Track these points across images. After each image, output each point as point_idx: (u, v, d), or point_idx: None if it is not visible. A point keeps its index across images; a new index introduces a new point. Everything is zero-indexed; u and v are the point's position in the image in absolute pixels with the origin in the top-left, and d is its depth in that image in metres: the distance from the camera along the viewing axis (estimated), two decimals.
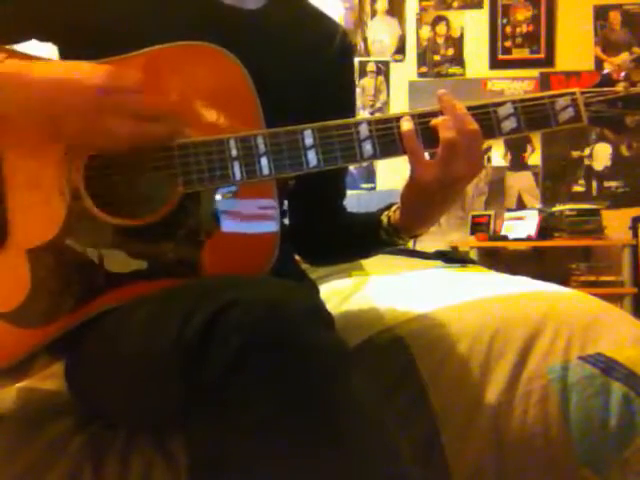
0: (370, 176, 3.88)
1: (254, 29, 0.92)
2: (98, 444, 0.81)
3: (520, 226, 3.62)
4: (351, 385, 0.63)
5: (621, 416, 0.87)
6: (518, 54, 3.88)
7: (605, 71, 0.87)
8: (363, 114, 3.79)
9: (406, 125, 0.81)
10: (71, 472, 0.78)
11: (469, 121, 0.80)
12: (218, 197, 0.80)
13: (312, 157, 0.80)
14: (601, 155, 3.79)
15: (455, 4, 3.90)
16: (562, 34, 3.84)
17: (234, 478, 0.59)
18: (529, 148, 3.82)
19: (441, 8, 3.91)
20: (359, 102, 3.81)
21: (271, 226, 0.81)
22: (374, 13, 3.95)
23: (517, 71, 3.86)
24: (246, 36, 0.90)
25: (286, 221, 1.03)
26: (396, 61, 3.95)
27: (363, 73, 3.91)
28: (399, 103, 3.88)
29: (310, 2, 1.04)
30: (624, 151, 3.77)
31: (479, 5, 3.90)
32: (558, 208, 3.63)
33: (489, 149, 3.80)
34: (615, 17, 3.82)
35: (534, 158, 3.83)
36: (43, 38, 0.89)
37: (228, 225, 0.80)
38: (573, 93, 0.83)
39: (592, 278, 3.49)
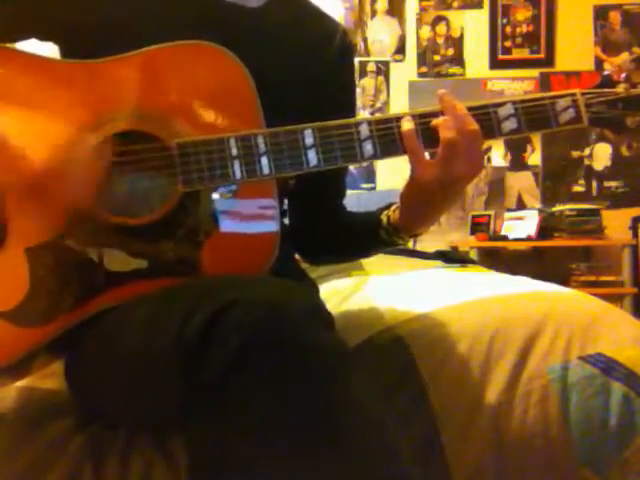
0: (370, 176, 3.88)
1: (254, 28, 0.92)
2: (98, 444, 0.81)
3: (520, 226, 3.62)
4: (351, 385, 0.62)
5: (621, 416, 0.87)
6: (518, 54, 3.88)
7: (606, 72, 0.87)
8: (363, 114, 3.79)
9: (406, 125, 0.81)
10: (71, 472, 0.78)
11: (469, 121, 0.80)
12: (218, 197, 0.80)
13: (312, 157, 0.80)
14: (601, 155, 3.79)
15: (455, 4, 3.90)
16: (562, 34, 3.84)
17: (234, 478, 0.59)
18: (529, 148, 3.82)
19: (441, 8, 3.91)
20: (359, 102, 3.80)
21: (271, 226, 0.81)
22: (374, 13, 3.95)
23: (517, 71, 3.86)
24: (246, 35, 0.90)
25: (286, 221, 1.03)
26: (396, 61, 3.95)
27: (363, 73, 3.91)
28: (399, 103, 3.88)
29: (310, 1, 1.04)
30: (624, 151, 3.77)
31: (479, 5, 3.89)
32: (558, 208, 3.63)
33: (489, 149, 3.80)
34: (615, 17, 3.82)
35: (534, 158, 3.83)
36: (43, 37, 0.89)
37: (227, 225, 0.80)
38: (574, 94, 0.83)
39: (592, 278, 3.49)
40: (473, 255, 3.46)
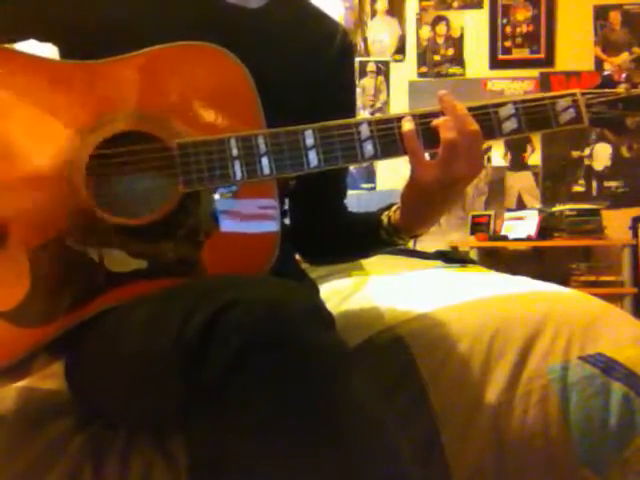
0: (370, 176, 3.88)
1: (255, 29, 0.92)
2: (98, 444, 0.81)
3: (520, 226, 3.62)
4: (351, 385, 0.63)
5: (621, 416, 0.87)
6: (518, 54, 3.88)
7: (606, 72, 0.87)
8: (363, 114, 3.79)
9: (407, 125, 0.81)
10: (71, 472, 0.78)
11: (470, 122, 0.80)
12: (218, 197, 0.80)
13: (313, 157, 0.80)
14: (601, 155, 3.79)
15: (455, 4, 3.90)
16: (562, 34, 3.84)
17: (234, 478, 0.60)
18: (529, 148, 3.82)
19: (441, 8, 3.91)
20: (359, 102, 3.80)
21: (271, 226, 0.81)
22: (374, 13, 3.95)
23: (517, 71, 3.86)
24: (247, 36, 0.90)
25: (286, 221, 1.03)
26: (396, 61, 3.95)
27: (363, 73, 3.91)
28: (399, 103, 3.88)
29: (311, 2, 1.04)
30: (625, 153, 3.77)
31: (479, 5, 3.89)
32: (558, 208, 3.63)
33: (489, 149, 3.80)
34: (615, 17, 3.82)
35: (534, 158, 3.83)
36: (42, 38, 0.89)
37: (228, 225, 0.80)
38: (574, 94, 0.83)
39: (592, 278, 3.49)
40: (473, 255, 3.46)
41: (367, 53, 3.94)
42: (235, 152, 0.79)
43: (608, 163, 3.79)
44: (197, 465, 0.64)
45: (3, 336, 0.79)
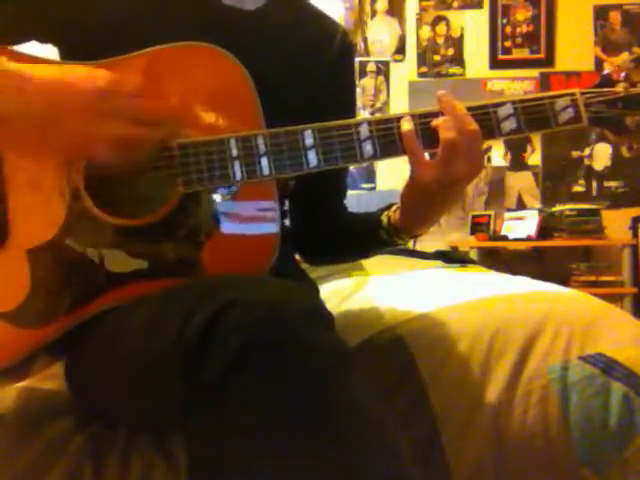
0: (370, 176, 3.88)
1: (254, 29, 0.92)
2: (98, 444, 0.81)
3: (520, 226, 3.62)
4: (351, 385, 0.63)
5: (621, 416, 0.87)
6: (518, 54, 3.88)
7: (605, 71, 0.87)
8: (363, 114, 3.79)
9: (406, 125, 0.81)
10: (71, 472, 0.78)
11: (469, 121, 0.80)
12: (218, 198, 0.80)
13: (312, 157, 0.80)
14: (601, 155, 3.79)
15: (455, 4, 3.90)
16: (562, 34, 3.84)
17: (234, 478, 0.60)
18: (529, 148, 3.82)
19: (441, 8, 3.91)
20: (359, 102, 3.81)
21: (271, 227, 0.81)
22: (374, 13, 3.95)
23: (517, 71, 3.86)
24: (246, 36, 0.90)
25: (286, 221, 1.03)
26: (396, 61, 3.95)
27: (363, 73, 3.91)
28: (399, 103, 3.88)
29: (310, 2, 1.04)
30: (625, 153, 3.77)
31: (479, 5, 3.90)
32: (558, 208, 3.63)
33: (489, 149, 3.80)
34: (615, 17, 3.82)
35: (534, 158, 3.83)
36: (43, 39, 0.89)
37: (228, 226, 0.80)
38: (573, 94, 0.83)
39: (592, 278, 3.49)
40: (473, 255, 3.46)
41: (367, 53, 3.95)
42: (235, 152, 0.79)
43: (608, 163, 3.79)
44: (197, 465, 0.64)
45: (3, 337, 0.79)
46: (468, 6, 3.90)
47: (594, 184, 3.81)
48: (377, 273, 1.39)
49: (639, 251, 3.59)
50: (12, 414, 0.87)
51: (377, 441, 0.62)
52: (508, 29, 3.88)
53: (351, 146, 0.81)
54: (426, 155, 0.81)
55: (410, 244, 1.43)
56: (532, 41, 3.86)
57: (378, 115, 3.60)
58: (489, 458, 0.87)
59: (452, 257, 1.74)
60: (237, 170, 0.79)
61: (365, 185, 3.87)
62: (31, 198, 0.79)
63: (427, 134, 0.81)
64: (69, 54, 0.86)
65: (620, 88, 0.84)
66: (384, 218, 0.94)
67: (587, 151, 3.78)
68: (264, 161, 0.79)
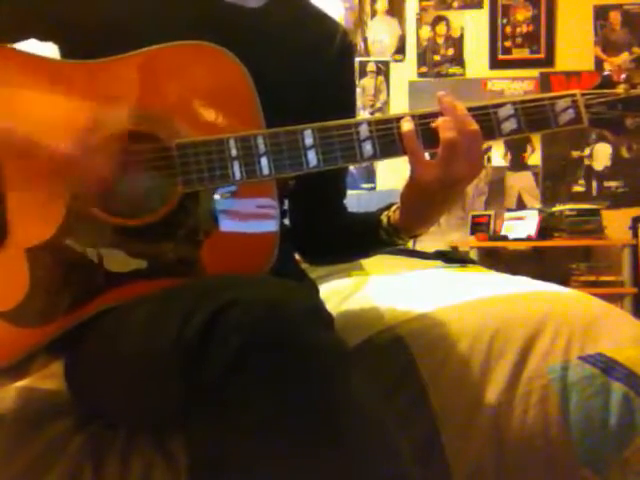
0: (370, 176, 3.88)
1: (254, 28, 0.92)
2: (98, 444, 0.81)
3: (520, 226, 3.62)
4: (351, 385, 0.63)
5: (621, 416, 0.87)
6: (518, 54, 3.88)
7: (606, 73, 0.87)
8: (363, 114, 3.79)
9: (406, 126, 0.81)
10: (71, 472, 0.78)
11: (469, 122, 0.80)
12: (217, 197, 0.80)
13: (312, 157, 0.80)
14: (601, 155, 3.79)
15: (455, 4, 3.90)
16: (562, 34, 3.84)
17: (234, 478, 0.60)
18: (529, 148, 3.82)
19: (441, 8, 3.91)
20: (359, 102, 3.80)
21: (271, 225, 0.81)
22: (374, 13, 3.95)
23: (517, 71, 3.86)
24: (246, 35, 0.90)
25: (286, 221, 1.03)
26: (396, 61, 3.95)
27: (363, 73, 3.91)
28: (399, 103, 3.88)
29: (311, 2, 1.04)
30: (624, 153, 3.77)
31: (479, 5, 3.89)
32: (558, 208, 3.63)
33: (489, 149, 3.80)
34: (615, 17, 3.82)
35: (534, 158, 3.83)
36: (43, 37, 0.89)
37: (227, 225, 0.80)
38: (574, 95, 0.83)
39: (592, 278, 3.49)
40: (473, 255, 3.46)
41: (367, 53, 3.94)
42: (234, 152, 0.79)
43: (608, 163, 3.79)
44: (197, 465, 0.64)
45: (3, 336, 0.79)
46: (468, 6, 3.90)
47: (594, 184, 3.81)
48: (377, 273, 1.39)
49: (639, 251, 3.59)
50: (12, 414, 0.87)
51: (377, 441, 0.62)
52: (508, 29, 3.88)
53: (351, 146, 0.81)
54: (426, 155, 0.81)
55: (410, 244, 1.43)
56: (532, 41, 3.86)
57: (378, 115, 3.60)
58: (489, 458, 0.87)
59: (452, 257, 1.74)
60: (237, 170, 0.79)
61: (365, 185, 3.87)
62: (31, 197, 0.79)
63: (427, 134, 0.81)
64: (69, 52, 0.86)
65: (621, 89, 0.84)
66: (384, 218, 0.93)
67: (587, 151, 3.78)
68: (264, 161, 0.79)
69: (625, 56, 3.79)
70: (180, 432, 0.78)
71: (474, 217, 3.79)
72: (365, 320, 1.03)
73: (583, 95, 0.83)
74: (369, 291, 1.21)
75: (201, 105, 0.81)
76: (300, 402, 0.59)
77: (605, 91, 0.84)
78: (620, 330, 0.96)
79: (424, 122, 0.81)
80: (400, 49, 3.95)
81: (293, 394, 0.59)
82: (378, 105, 3.92)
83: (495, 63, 3.88)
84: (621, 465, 0.86)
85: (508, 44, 3.88)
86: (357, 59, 3.76)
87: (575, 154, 3.80)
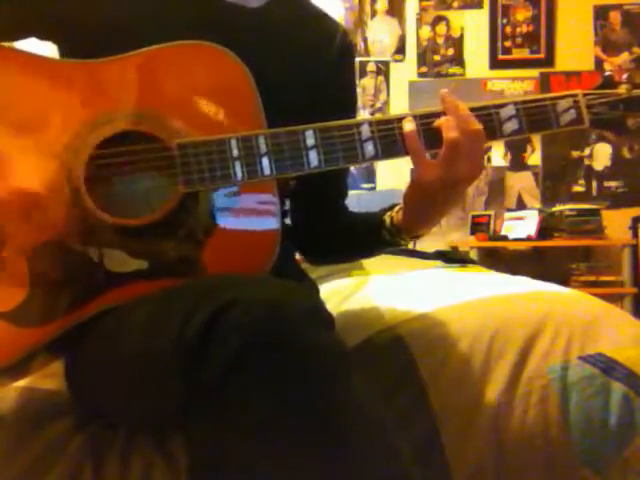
0: (370, 176, 3.88)
1: (255, 28, 0.92)
2: (98, 444, 0.81)
3: (520, 226, 3.62)
4: (351, 385, 0.63)
5: (621, 416, 0.87)
6: (518, 54, 3.88)
7: (607, 73, 0.87)
8: (363, 114, 3.79)
9: (408, 126, 0.81)
10: (71, 472, 0.78)
11: (472, 121, 0.80)
12: (218, 196, 0.80)
13: (313, 157, 0.80)
14: (601, 155, 3.79)
15: (455, 4, 3.90)
16: (562, 34, 3.84)
17: (234, 478, 0.60)
18: (529, 148, 3.82)
19: (441, 8, 3.91)
20: (359, 102, 3.80)
21: (272, 223, 0.81)
22: (374, 13, 3.95)
23: (517, 71, 3.86)
24: (247, 35, 0.90)
25: (287, 221, 1.03)
26: (396, 61, 3.95)
27: (363, 73, 3.91)
28: (399, 103, 3.88)
29: (311, 2, 1.04)
30: (625, 153, 3.77)
31: (479, 5, 3.89)
32: (558, 208, 3.63)
33: (489, 149, 3.80)
34: (615, 17, 3.82)
35: (534, 158, 3.83)
36: (42, 37, 0.89)
37: (228, 223, 0.80)
38: (575, 95, 0.83)
39: (592, 278, 3.49)
40: (473, 255, 3.47)
41: (367, 53, 3.94)
42: (235, 152, 0.79)
43: (608, 163, 3.79)
44: (197, 465, 0.64)
45: (3, 336, 0.79)
46: (468, 6, 3.90)
47: (594, 184, 3.81)
48: (377, 273, 1.39)
49: (639, 251, 3.59)
50: (12, 414, 0.87)
51: (377, 441, 0.62)
52: (508, 29, 3.88)
53: (352, 146, 0.81)
54: (427, 155, 0.81)
55: (410, 244, 1.43)
56: (532, 41, 3.86)
57: (379, 115, 3.60)
58: (489, 458, 0.87)
59: (452, 257, 1.74)
60: (238, 170, 0.79)
61: (365, 185, 3.87)
62: (30, 197, 0.79)
63: (429, 134, 0.81)
64: (69, 52, 0.86)
65: (622, 90, 0.84)
66: (387, 218, 0.93)
67: (587, 151, 3.79)
68: (265, 161, 0.79)
69: (625, 56, 3.79)
70: (180, 432, 0.78)
71: (474, 217, 3.79)
72: (365, 320, 1.03)
73: (585, 95, 0.83)
74: (369, 291, 1.21)
75: (202, 105, 0.81)
76: (300, 402, 0.59)
77: (607, 91, 0.84)
78: (620, 330, 0.96)
79: (425, 122, 0.81)
80: (400, 49, 3.95)
81: (293, 394, 0.59)
82: (378, 105, 3.92)
83: (495, 63, 3.88)
84: (621, 465, 0.86)
85: (508, 44, 3.88)
86: (357, 59, 3.76)
87: (575, 154, 3.80)
